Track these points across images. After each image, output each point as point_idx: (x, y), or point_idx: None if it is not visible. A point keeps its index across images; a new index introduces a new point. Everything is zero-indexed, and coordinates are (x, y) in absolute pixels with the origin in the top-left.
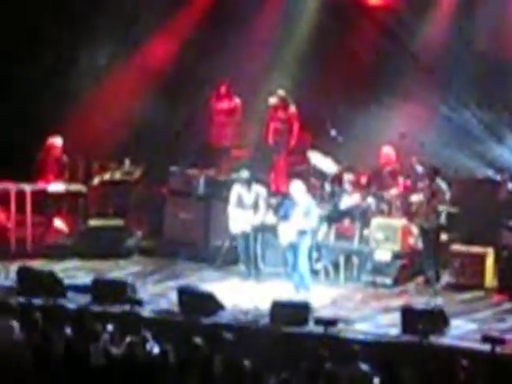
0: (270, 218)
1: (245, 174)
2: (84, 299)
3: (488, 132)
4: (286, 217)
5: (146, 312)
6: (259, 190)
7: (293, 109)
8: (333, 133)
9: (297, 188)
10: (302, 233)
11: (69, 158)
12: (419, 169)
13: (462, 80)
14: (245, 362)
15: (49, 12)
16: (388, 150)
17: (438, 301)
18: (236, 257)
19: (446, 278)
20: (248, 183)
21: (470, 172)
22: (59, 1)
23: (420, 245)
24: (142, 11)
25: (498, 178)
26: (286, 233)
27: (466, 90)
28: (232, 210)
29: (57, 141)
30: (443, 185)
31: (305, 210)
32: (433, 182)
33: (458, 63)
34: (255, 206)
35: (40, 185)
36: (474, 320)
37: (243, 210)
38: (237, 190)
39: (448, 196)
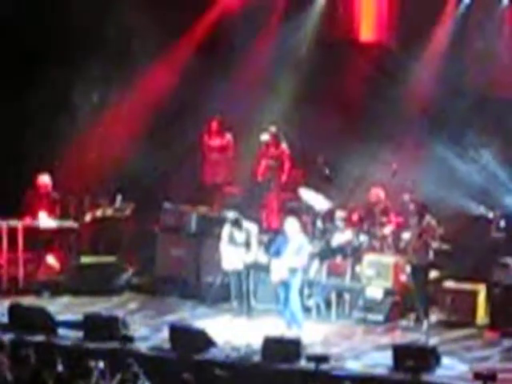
0: (262, 256)
1: (231, 214)
2: (76, 335)
3: (481, 170)
4: (277, 254)
5: (137, 348)
6: (250, 227)
7: (284, 146)
8: (324, 169)
9: (291, 225)
10: (293, 270)
11: (60, 195)
12: (411, 206)
13: (454, 119)
14: None
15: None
16: (377, 190)
17: (430, 338)
18: (228, 294)
19: (436, 315)
20: (237, 222)
21: (462, 209)
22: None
23: (411, 282)
24: (134, 52)
25: (490, 215)
26: (278, 270)
27: (458, 128)
28: (224, 247)
29: (45, 178)
30: (433, 222)
31: (296, 247)
32: (423, 219)
33: (450, 102)
34: (247, 244)
35: (32, 221)
36: (466, 357)
37: (235, 247)
38: (228, 227)
39: (438, 233)
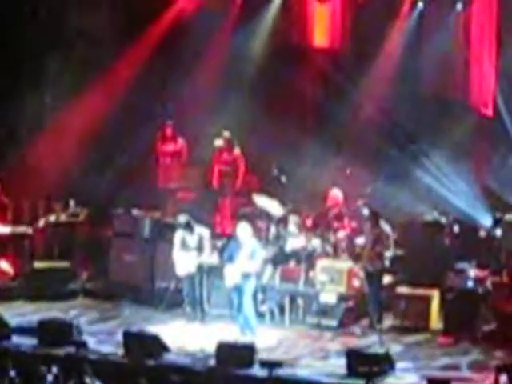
0: (215, 260)
1: (182, 218)
2: (29, 341)
3: (434, 174)
4: (231, 259)
5: (91, 354)
6: (202, 231)
7: (238, 151)
8: (278, 175)
9: (244, 230)
10: (246, 275)
11: (13, 201)
12: (365, 212)
13: (409, 122)
14: None
15: None
16: (336, 192)
17: (383, 344)
18: (181, 299)
19: (390, 320)
20: (188, 226)
21: (415, 215)
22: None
23: (365, 287)
24: (86, 54)
25: (444, 220)
26: (231, 275)
27: (413, 130)
28: (176, 253)
29: None
30: (387, 228)
31: (250, 252)
32: (376, 225)
33: (405, 105)
34: (199, 248)
35: None
36: (419, 362)
37: (187, 252)
38: (180, 233)
39: (392, 239)
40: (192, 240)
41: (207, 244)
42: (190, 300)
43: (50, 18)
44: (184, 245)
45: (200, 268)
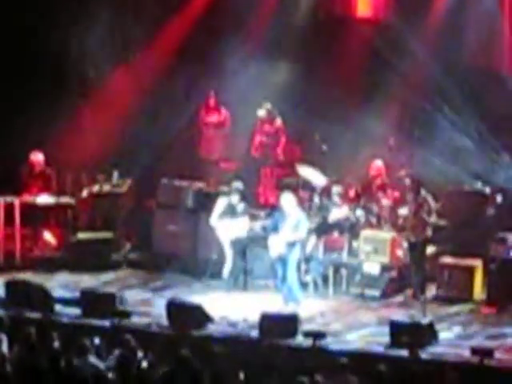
0: (258, 230)
1: (238, 184)
2: (73, 312)
3: (477, 144)
4: (275, 229)
5: (134, 325)
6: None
7: (279, 122)
8: (321, 145)
9: (288, 200)
10: (291, 245)
11: (57, 171)
12: (407, 182)
13: (452, 92)
14: (234, 374)
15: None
16: (379, 163)
17: (427, 314)
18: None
19: (433, 290)
20: (241, 193)
21: (458, 184)
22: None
23: (408, 257)
24: (130, 24)
25: (487, 190)
26: (276, 245)
27: (456, 102)
28: (220, 219)
29: (38, 156)
30: (429, 197)
31: (294, 223)
32: (418, 194)
33: (449, 77)
34: (246, 215)
35: (28, 197)
36: (463, 333)
37: (235, 218)
38: (225, 200)
39: (434, 208)
40: (241, 207)
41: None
42: (234, 267)
43: None
44: (231, 211)
45: (246, 235)
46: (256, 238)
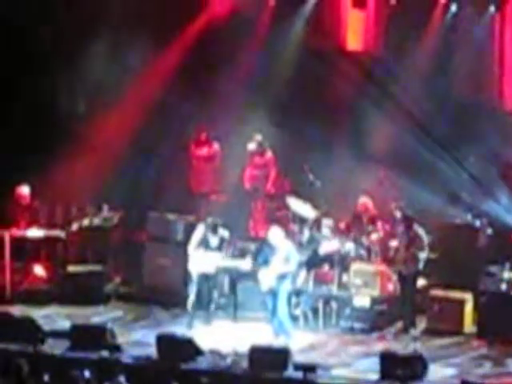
0: (246, 264)
1: (210, 219)
2: (63, 345)
3: (469, 178)
4: (265, 262)
5: (124, 358)
6: (224, 233)
7: (270, 154)
8: (311, 177)
9: (275, 234)
10: (281, 278)
11: (46, 204)
12: (398, 215)
13: (442, 124)
14: None
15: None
16: (365, 200)
17: (417, 346)
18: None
19: (424, 323)
20: (214, 227)
21: (449, 218)
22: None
23: (399, 290)
24: (122, 54)
25: (477, 223)
26: (266, 278)
27: (446, 133)
28: (193, 250)
29: (24, 190)
30: (421, 231)
31: (285, 256)
32: (410, 228)
33: (438, 108)
34: (219, 249)
35: (18, 231)
36: (453, 365)
37: (207, 251)
38: (201, 231)
39: (426, 242)
40: (214, 240)
41: (226, 247)
42: (196, 300)
43: None
44: (205, 244)
45: (218, 270)
46: (245, 273)
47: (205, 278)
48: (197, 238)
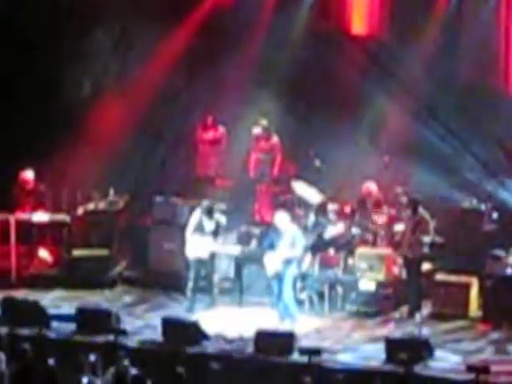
0: (235, 250)
1: (205, 202)
2: (68, 329)
3: (474, 161)
4: (271, 247)
5: (130, 342)
6: (220, 218)
7: (275, 139)
8: (316, 163)
9: (282, 219)
10: (287, 262)
11: (52, 189)
12: (404, 199)
13: (447, 108)
14: None
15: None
16: (369, 185)
17: (422, 330)
18: (224, 286)
19: (429, 307)
20: (209, 211)
21: (454, 202)
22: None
23: (404, 274)
24: (128, 39)
25: (483, 207)
26: (272, 263)
27: (451, 117)
28: (190, 234)
29: (28, 174)
30: (426, 215)
31: (290, 240)
32: (415, 212)
33: (443, 90)
34: (215, 233)
35: (23, 215)
36: (458, 350)
37: (202, 236)
38: (197, 215)
39: (432, 226)
40: (209, 225)
41: (222, 232)
42: (195, 284)
43: None
44: (200, 228)
45: (212, 255)
46: (252, 257)
47: (200, 262)
48: (193, 223)
